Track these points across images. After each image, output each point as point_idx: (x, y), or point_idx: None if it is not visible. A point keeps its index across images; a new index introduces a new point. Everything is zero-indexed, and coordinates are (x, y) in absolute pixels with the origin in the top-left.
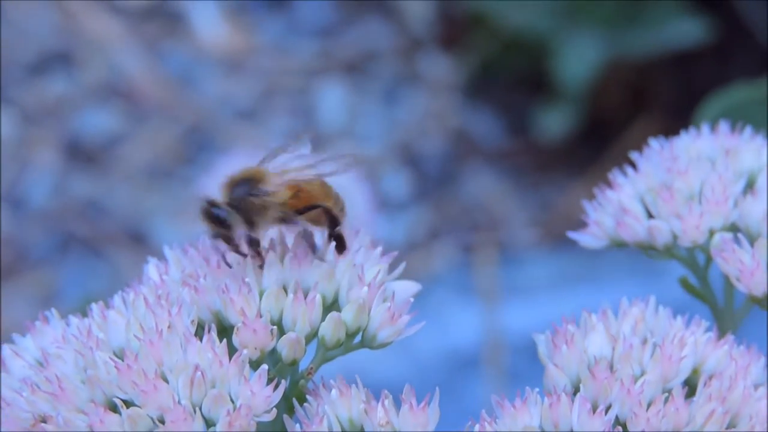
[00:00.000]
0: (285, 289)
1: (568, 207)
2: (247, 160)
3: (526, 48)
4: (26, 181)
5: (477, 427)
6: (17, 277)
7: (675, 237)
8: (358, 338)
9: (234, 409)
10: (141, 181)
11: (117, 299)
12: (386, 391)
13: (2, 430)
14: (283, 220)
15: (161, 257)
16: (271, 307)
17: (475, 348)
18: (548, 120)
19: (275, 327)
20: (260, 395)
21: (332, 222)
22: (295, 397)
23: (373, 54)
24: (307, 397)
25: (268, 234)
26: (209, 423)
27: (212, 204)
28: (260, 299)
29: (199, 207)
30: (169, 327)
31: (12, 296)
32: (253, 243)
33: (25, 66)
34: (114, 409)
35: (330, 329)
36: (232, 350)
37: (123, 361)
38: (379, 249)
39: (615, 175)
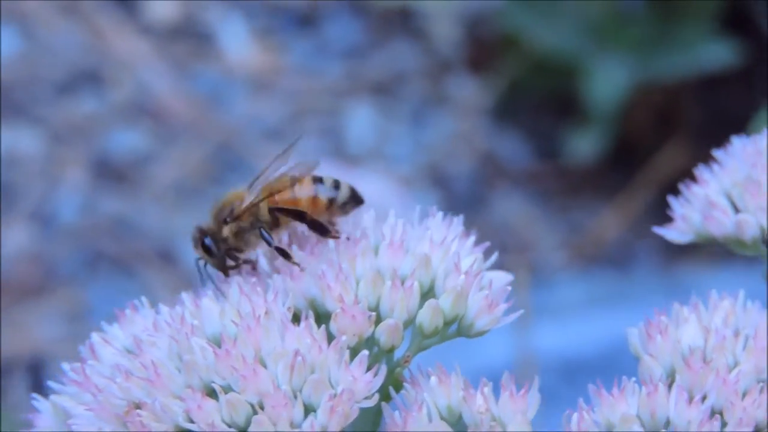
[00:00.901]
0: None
1: (597, 229)
2: None
3: (556, 70)
4: (55, 199)
5: (575, 416)
6: (46, 295)
7: (763, 230)
8: (453, 327)
9: (335, 394)
10: (170, 200)
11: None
12: (485, 379)
13: (95, 417)
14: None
15: None
16: (368, 293)
17: (507, 368)
18: (577, 142)
19: (374, 313)
20: (361, 381)
21: (297, 216)
22: (391, 384)
23: (401, 75)
24: (405, 384)
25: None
26: (309, 409)
27: (203, 233)
28: (356, 286)
29: (192, 235)
30: (266, 313)
31: (41, 314)
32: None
33: (54, 84)
34: (211, 394)
35: (428, 316)
36: (328, 337)
37: (219, 347)
38: (472, 239)
39: (700, 171)
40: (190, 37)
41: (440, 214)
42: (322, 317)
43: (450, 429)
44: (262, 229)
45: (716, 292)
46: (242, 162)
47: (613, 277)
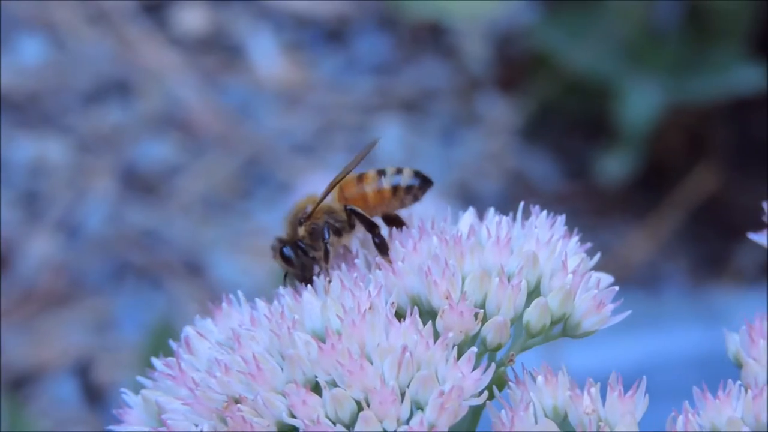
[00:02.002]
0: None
1: (626, 251)
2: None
3: (587, 91)
4: (82, 209)
5: (681, 419)
6: (73, 304)
7: None
8: (557, 328)
9: (444, 392)
10: (198, 213)
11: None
12: (591, 380)
13: (191, 411)
14: (342, 231)
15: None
16: (474, 291)
17: None
18: (607, 164)
19: (482, 310)
20: (470, 378)
21: (368, 224)
22: (494, 383)
23: (430, 93)
24: (510, 383)
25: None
26: (416, 405)
27: (282, 243)
28: (462, 283)
29: (272, 246)
30: (370, 308)
31: (67, 323)
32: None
33: (82, 94)
34: (314, 390)
35: (536, 315)
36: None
37: (322, 342)
38: (576, 239)
39: None
40: (219, 50)
41: (544, 213)
42: (425, 314)
43: (557, 429)
44: (326, 227)
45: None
46: (271, 176)
47: (641, 299)
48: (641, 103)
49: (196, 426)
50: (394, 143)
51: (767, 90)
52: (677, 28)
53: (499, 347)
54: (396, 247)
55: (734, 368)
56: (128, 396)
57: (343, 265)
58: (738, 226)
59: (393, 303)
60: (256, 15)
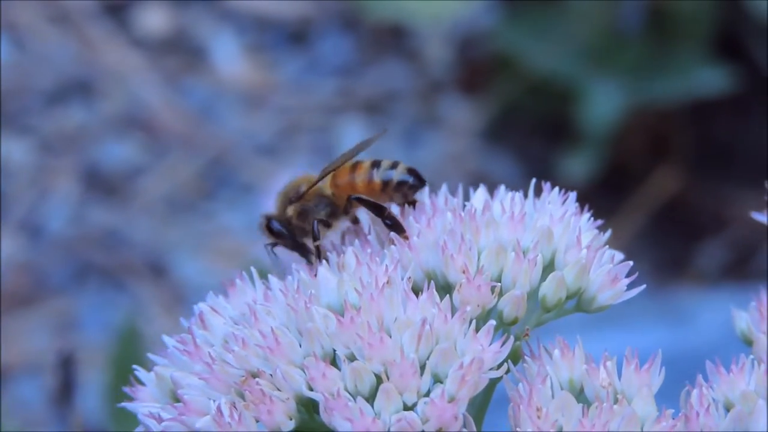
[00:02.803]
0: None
1: None
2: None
3: (549, 93)
4: (45, 209)
5: (695, 393)
6: (35, 305)
7: None
8: (570, 303)
9: (463, 364)
10: (161, 213)
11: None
12: (607, 353)
13: (208, 386)
14: (332, 216)
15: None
16: (491, 265)
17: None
18: (570, 165)
19: (499, 284)
20: (489, 350)
21: (375, 209)
22: (509, 357)
23: (393, 94)
24: (526, 357)
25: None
26: (435, 379)
27: (268, 218)
28: (478, 258)
29: (258, 223)
30: (388, 282)
31: (30, 324)
32: (305, 247)
33: (45, 94)
34: (332, 364)
35: (552, 288)
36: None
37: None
38: (588, 215)
39: None
40: (181, 51)
41: (556, 189)
42: (440, 289)
43: (575, 400)
44: (321, 203)
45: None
46: (234, 177)
47: None
48: (604, 104)
49: (213, 401)
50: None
51: (728, 92)
52: (640, 30)
53: (515, 321)
54: (410, 222)
55: (697, 366)
56: (141, 372)
57: (357, 241)
58: (700, 227)
59: (410, 278)
60: (218, 16)
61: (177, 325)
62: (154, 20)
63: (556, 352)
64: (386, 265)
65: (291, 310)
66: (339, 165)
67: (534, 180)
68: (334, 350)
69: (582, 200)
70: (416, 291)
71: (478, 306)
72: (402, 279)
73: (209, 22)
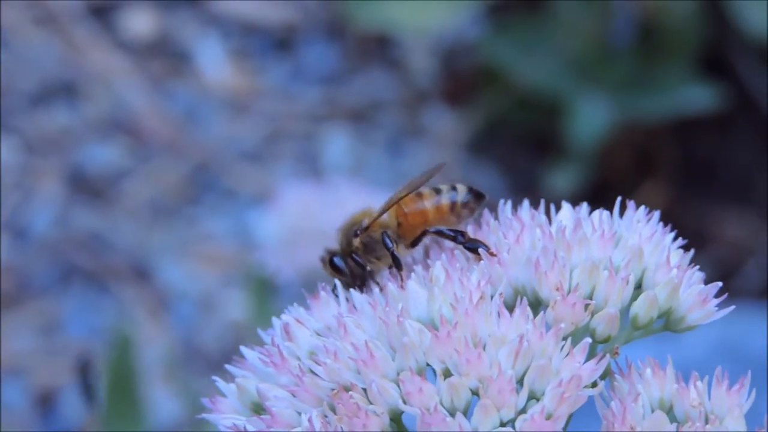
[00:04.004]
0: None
1: None
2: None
3: (536, 106)
4: (28, 211)
5: None
6: (19, 307)
7: None
8: (659, 322)
9: (562, 381)
10: (145, 218)
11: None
12: (696, 373)
13: (296, 399)
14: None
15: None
16: (583, 283)
17: None
18: (555, 178)
19: (592, 302)
20: (586, 368)
21: (451, 238)
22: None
23: (377, 104)
24: (616, 375)
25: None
26: (531, 395)
27: (332, 254)
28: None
29: (320, 257)
30: (482, 297)
31: (14, 325)
32: (366, 278)
33: (29, 96)
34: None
35: (644, 308)
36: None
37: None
38: (672, 234)
39: None
40: (166, 55)
41: (642, 208)
42: (530, 305)
43: (668, 420)
44: (385, 237)
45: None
46: (218, 183)
47: None
48: (591, 119)
49: (300, 414)
50: (341, 152)
51: (714, 110)
52: (629, 45)
53: (608, 339)
54: (499, 238)
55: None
56: (222, 384)
57: (444, 255)
58: (683, 243)
59: (501, 293)
60: (203, 21)
61: (161, 329)
62: (139, 23)
63: (648, 371)
64: (478, 280)
65: (382, 324)
66: (402, 196)
67: (510, 195)
68: (427, 365)
69: None
70: (506, 307)
71: (572, 323)
72: (492, 295)
73: (194, 26)
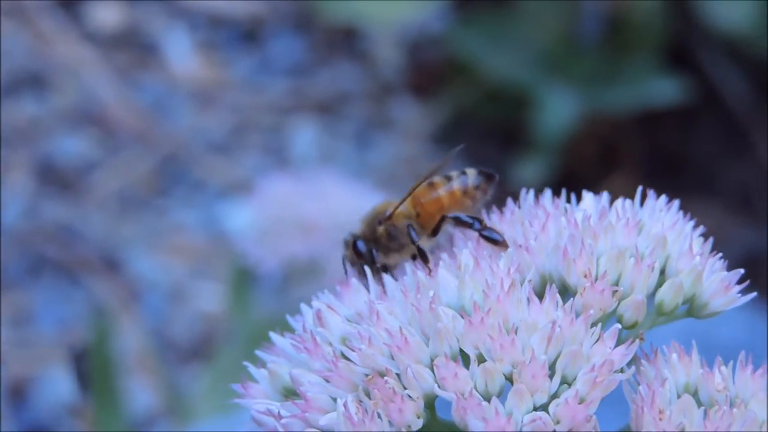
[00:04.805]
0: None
1: None
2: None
3: (503, 99)
4: None
5: None
6: None
7: None
8: (682, 308)
9: (594, 366)
10: (114, 209)
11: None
12: (720, 358)
13: (330, 384)
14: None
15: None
16: (611, 270)
17: None
18: (521, 171)
19: (620, 288)
20: (616, 353)
21: (467, 226)
22: None
23: (344, 96)
24: (642, 360)
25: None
26: (563, 380)
27: (356, 238)
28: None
29: (344, 239)
30: (512, 284)
31: None
32: (378, 268)
33: None
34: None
35: (670, 294)
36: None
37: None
38: (692, 222)
39: None
40: (134, 47)
41: (663, 197)
42: (558, 292)
43: (695, 404)
44: (410, 228)
45: None
46: (187, 174)
47: None
48: (558, 111)
49: (333, 399)
50: (308, 145)
51: (679, 102)
52: (596, 39)
53: (635, 325)
54: (525, 226)
55: None
56: (253, 369)
57: (470, 243)
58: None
59: (530, 280)
60: (170, 13)
61: (132, 320)
62: (106, 15)
63: (674, 356)
64: (509, 267)
65: (414, 310)
66: (421, 182)
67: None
68: (461, 350)
69: None
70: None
71: (600, 310)
72: (521, 281)
73: (162, 18)
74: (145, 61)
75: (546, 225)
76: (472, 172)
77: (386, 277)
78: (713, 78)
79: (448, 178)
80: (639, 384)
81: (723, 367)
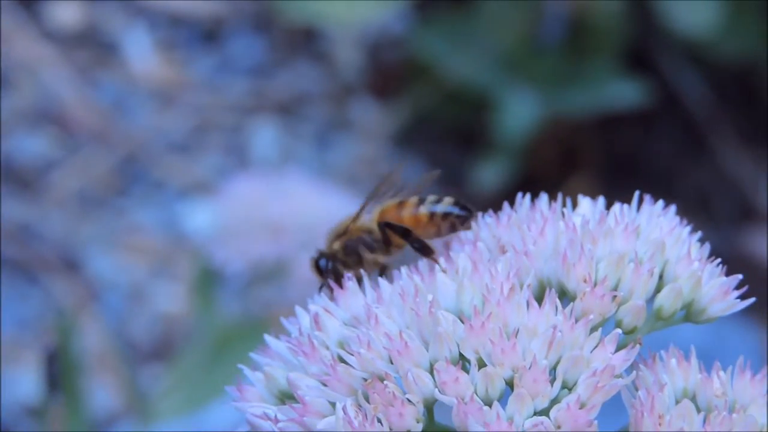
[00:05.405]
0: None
1: None
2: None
3: (464, 101)
4: None
5: None
6: None
7: None
8: (680, 313)
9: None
10: (74, 209)
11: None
12: (718, 363)
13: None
14: (378, 250)
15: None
16: (610, 275)
17: None
18: (482, 173)
19: (620, 293)
20: (617, 357)
21: (403, 233)
22: None
23: (305, 96)
24: (640, 365)
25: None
26: (563, 385)
27: (320, 255)
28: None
29: (310, 258)
30: (512, 288)
31: None
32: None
33: None
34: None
35: (670, 299)
36: None
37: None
38: (689, 228)
39: None
40: (93, 45)
41: (660, 202)
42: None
43: (695, 409)
44: (360, 240)
45: None
46: (146, 174)
47: None
48: (518, 114)
49: (331, 403)
50: (269, 145)
51: (638, 105)
52: (558, 41)
53: (634, 330)
54: (524, 230)
55: None
56: (249, 372)
57: (467, 247)
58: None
59: (529, 285)
60: (130, 12)
61: (91, 320)
62: (66, 13)
63: (673, 361)
64: (508, 271)
65: (413, 314)
66: (370, 199)
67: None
68: (461, 355)
69: (493, 209)
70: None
71: (600, 314)
72: (520, 286)
73: (121, 17)
74: (104, 60)
75: (544, 229)
76: (448, 201)
77: (382, 282)
78: (673, 81)
79: (422, 201)
80: (637, 389)
81: (721, 372)
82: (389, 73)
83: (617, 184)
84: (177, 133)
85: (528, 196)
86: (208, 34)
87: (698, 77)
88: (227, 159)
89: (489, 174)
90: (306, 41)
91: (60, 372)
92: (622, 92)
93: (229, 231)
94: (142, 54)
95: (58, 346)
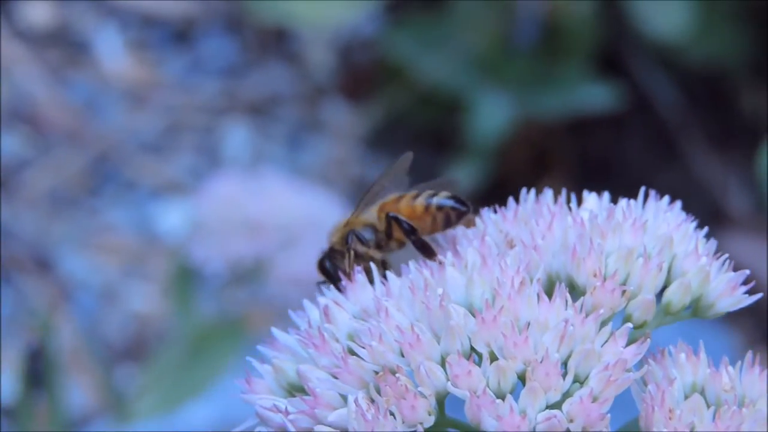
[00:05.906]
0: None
1: None
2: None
3: (436, 103)
4: None
5: None
6: None
7: None
8: (687, 309)
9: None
10: (45, 208)
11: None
12: (726, 358)
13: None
14: (378, 243)
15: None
16: (619, 269)
17: None
18: (455, 174)
19: (630, 288)
20: (629, 351)
21: (406, 230)
22: None
23: (276, 97)
24: (648, 360)
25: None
26: (575, 379)
27: (323, 255)
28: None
29: (317, 259)
30: (522, 282)
31: None
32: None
33: None
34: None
35: (679, 294)
36: None
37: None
38: (694, 223)
39: None
40: (64, 45)
41: (666, 197)
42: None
43: (705, 403)
44: (350, 234)
45: None
46: (119, 174)
47: None
48: (491, 116)
49: (341, 396)
50: (240, 146)
51: (610, 108)
52: (530, 43)
53: (644, 324)
54: (531, 225)
55: None
56: (257, 364)
57: (475, 242)
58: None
59: (539, 279)
60: (101, 11)
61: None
62: (37, 13)
63: (682, 356)
64: (518, 265)
65: (424, 308)
66: (370, 190)
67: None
68: (471, 348)
69: None
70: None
71: (610, 309)
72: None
73: (93, 16)
74: (76, 59)
75: (552, 224)
76: (443, 194)
77: (391, 275)
78: (644, 85)
79: (419, 194)
80: (646, 384)
81: (730, 367)
82: (361, 74)
83: (589, 187)
84: (149, 133)
85: (531, 195)
86: (179, 35)
87: (669, 81)
88: (199, 159)
89: (461, 176)
90: (278, 42)
91: (42, 370)
92: (594, 95)
93: (207, 230)
94: (113, 54)
95: (38, 344)
